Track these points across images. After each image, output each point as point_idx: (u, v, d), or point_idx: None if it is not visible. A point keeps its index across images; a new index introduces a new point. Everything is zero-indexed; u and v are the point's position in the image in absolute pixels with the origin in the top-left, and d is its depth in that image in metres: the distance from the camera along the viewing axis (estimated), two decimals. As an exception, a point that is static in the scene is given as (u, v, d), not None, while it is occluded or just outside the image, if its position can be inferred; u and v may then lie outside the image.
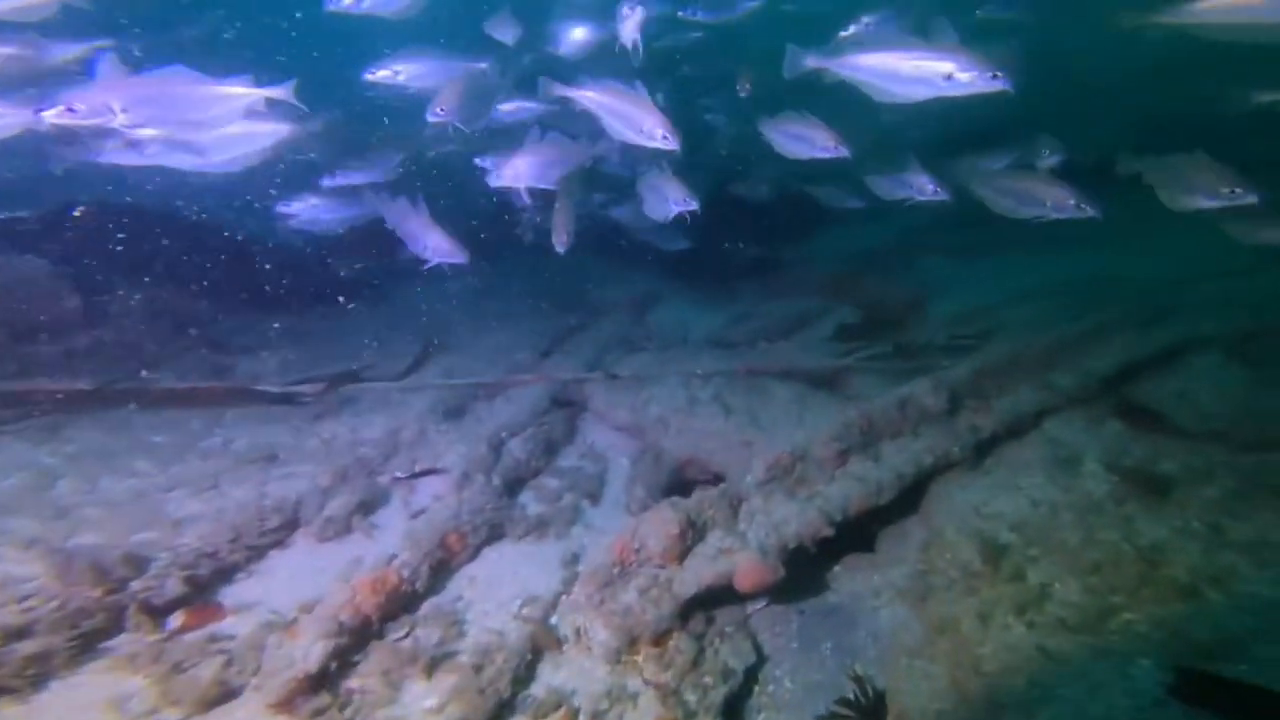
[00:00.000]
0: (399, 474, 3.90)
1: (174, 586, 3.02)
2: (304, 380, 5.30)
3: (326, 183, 5.71)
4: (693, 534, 3.07)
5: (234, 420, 4.81)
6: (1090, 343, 4.10)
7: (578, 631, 2.82)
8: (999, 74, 3.25)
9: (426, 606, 3.09)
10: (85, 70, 3.82)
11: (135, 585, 2.96)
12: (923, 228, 9.58)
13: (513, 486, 3.98)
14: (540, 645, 2.86)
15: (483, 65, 4.95)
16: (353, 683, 2.68)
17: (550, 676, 2.77)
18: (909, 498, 3.26)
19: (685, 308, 8.29)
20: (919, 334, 5.61)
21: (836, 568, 3.25)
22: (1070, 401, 3.56)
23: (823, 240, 9.98)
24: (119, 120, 3.20)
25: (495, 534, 3.60)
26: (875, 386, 4.60)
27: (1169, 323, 4.31)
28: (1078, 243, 8.52)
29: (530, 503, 3.93)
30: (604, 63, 4.80)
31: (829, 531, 3.07)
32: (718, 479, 4.10)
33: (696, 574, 2.88)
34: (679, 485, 4.09)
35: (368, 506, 3.75)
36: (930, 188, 4.89)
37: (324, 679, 2.62)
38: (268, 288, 7.89)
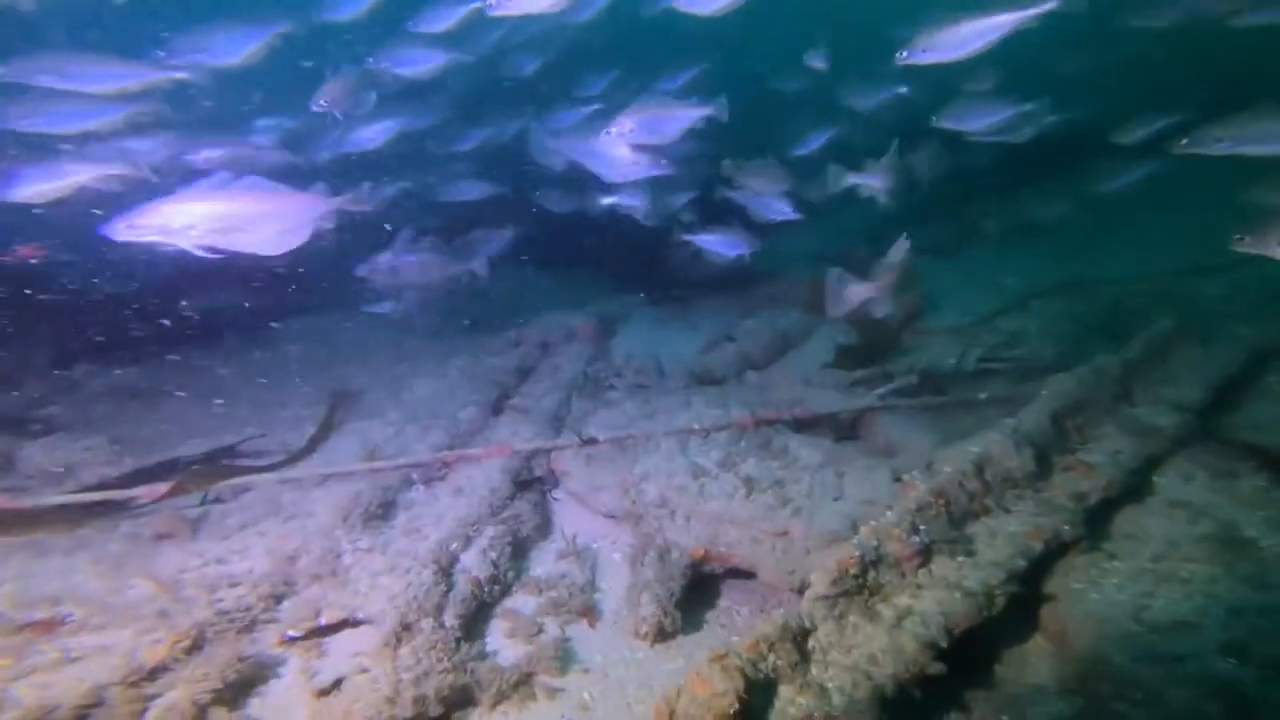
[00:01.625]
0: (292, 632, 2.72)
1: None
2: (139, 475, 3.89)
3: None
4: (753, 691, 2.14)
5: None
6: (1153, 365, 3.50)
7: None
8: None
9: None
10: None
11: None
12: (877, 226, 9.13)
13: (473, 623, 2.91)
14: None
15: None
16: None
17: None
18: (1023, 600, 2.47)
19: (648, 331, 7.37)
20: (928, 354, 4.95)
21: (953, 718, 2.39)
22: (1174, 445, 2.90)
23: (774, 243, 9.38)
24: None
25: (457, 706, 2.53)
26: (910, 432, 3.84)
27: (1221, 334, 3.79)
28: (1037, 237, 8.29)
29: (502, 644, 2.87)
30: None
31: (938, 667, 2.23)
32: (746, 574, 3.20)
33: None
34: (695, 584, 3.16)
35: (241, 687, 2.53)
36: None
37: None
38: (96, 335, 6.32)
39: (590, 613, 3.10)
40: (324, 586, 2.89)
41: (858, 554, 2.45)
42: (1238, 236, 3.15)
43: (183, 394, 5.85)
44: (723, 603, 3.17)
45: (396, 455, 4.06)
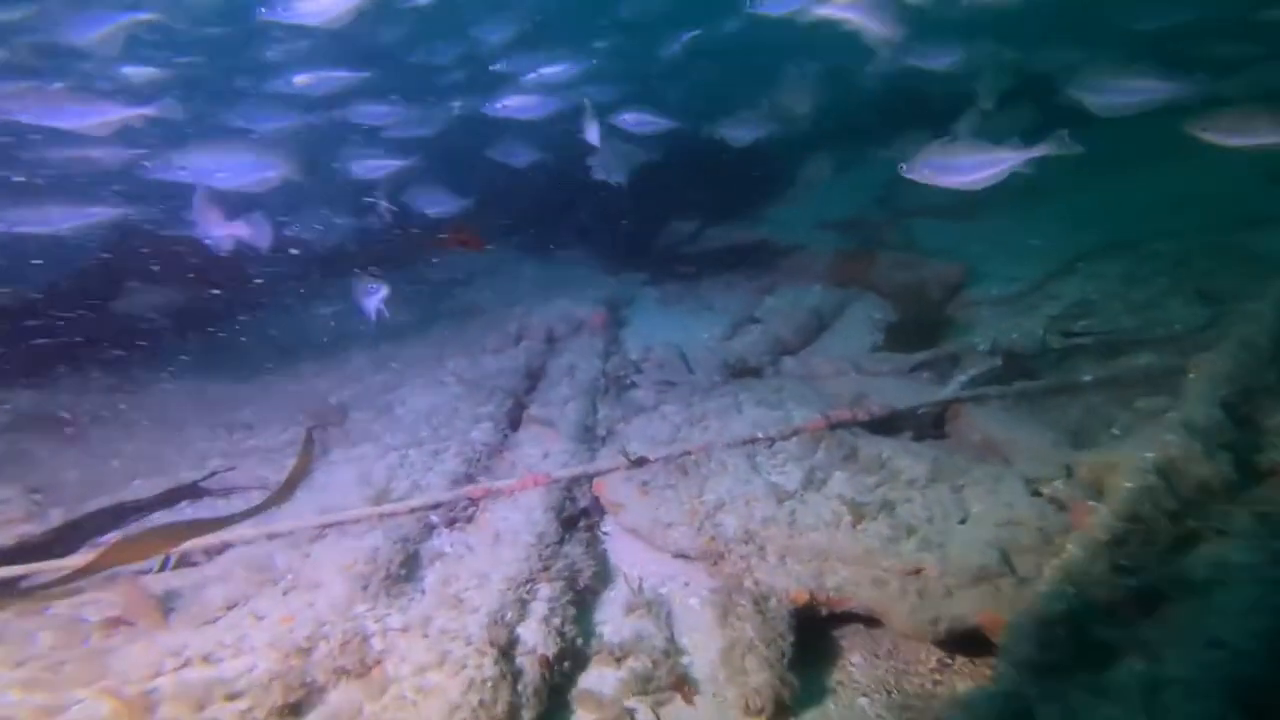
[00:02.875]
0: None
1: None
2: (71, 531, 3.07)
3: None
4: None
5: None
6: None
7: None
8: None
9: None
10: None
11: None
12: (888, 185, 8.62)
13: (543, 710, 2.27)
14: None
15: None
16: None
17: None
18: None
19: (658, 316, 6.70)
20: (988, 330, 4.45)
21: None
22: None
23: (782, 209, 8.76)
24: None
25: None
26: (1012, 427, 3.32)
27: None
28: (1057, 192, 7.92)
29: (585, 741, 2.25)
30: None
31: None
32: (856, 616, 2.64)
33: None
34: (802, 630, 2.58)
35: None
36: None
37: None
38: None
39: (684, 684, 2.49)
40: (355, 688, 2.18)
41: (1062, 608, 1.90)
42: (1200, 128, 3.30)
43: (119, 419, 4.90)
44: (844, 660, 2.61)
45: (407, 493, 3.33)
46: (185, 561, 2.72)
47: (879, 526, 2.65)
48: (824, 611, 2.64)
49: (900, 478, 2.93)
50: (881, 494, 2.82)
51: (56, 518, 3.31)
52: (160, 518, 3.49)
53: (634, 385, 4.99)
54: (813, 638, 2.62)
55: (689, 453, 3.37)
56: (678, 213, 8.90)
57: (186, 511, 3.61)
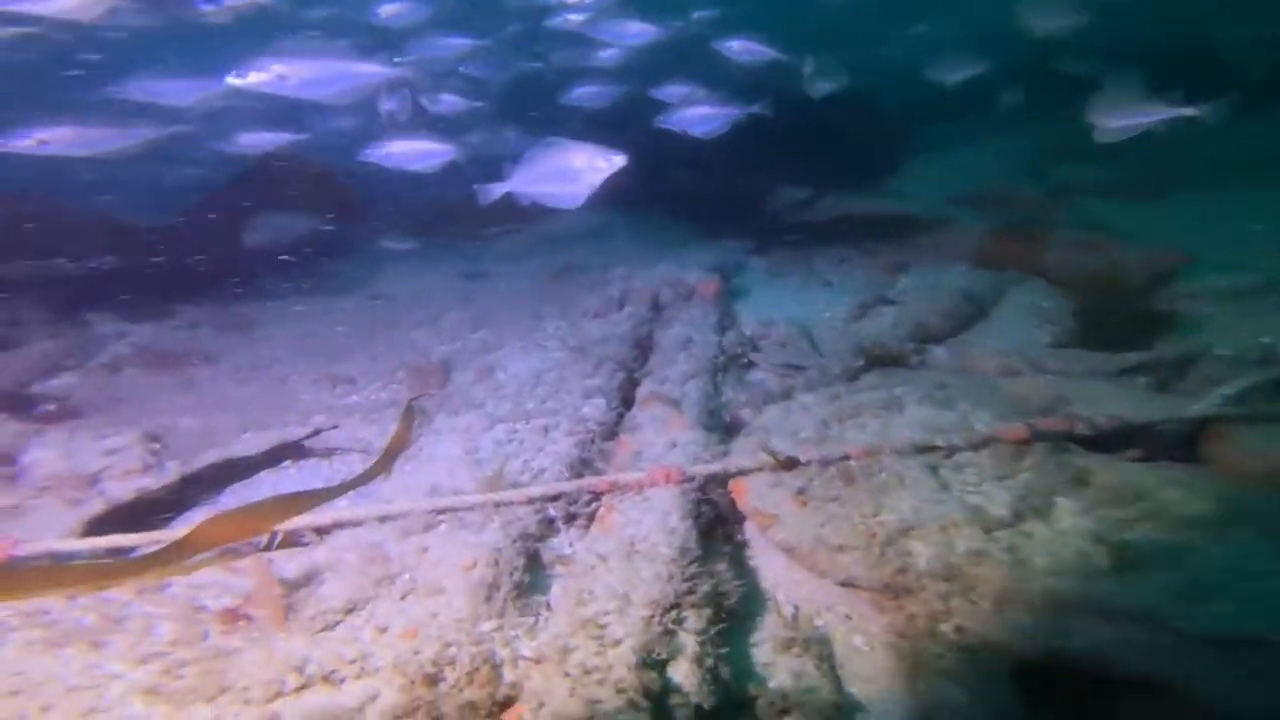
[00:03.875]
0: None
1: None
2: (187, 486, 2.86)
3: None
4: None
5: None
6: None
7: None
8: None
9: None
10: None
11: None
12: (1031, 157, 7.50)
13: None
14: None
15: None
16: None
17: None
18: None
19: (770, 288, 6.07)
20: (1223, 330, 3.61)
21: None
22: None
23: (912, 177, 7.81)
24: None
25: None
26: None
27: None
28: (1246, 171, 6.60)
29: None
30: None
31: None
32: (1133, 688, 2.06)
33: None
34: (1031, 700, 2.04)
35: None
36: None
37: None
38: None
39: (868, 757, 2.02)
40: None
41: None
42: None
43: (230, 359, 4.80)
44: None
45: (518, 474, 2.96)
46: (292, 538, 2.43)
47: (1157, 576, 2.04)
48: (1067, 678, 2.09)
49: (1167, 514, 2.28)
50: (1147, 533, 2.19)
51: (173, 471, 3.15)
52: (265, 476, 3.28)
53: (751, 365, 4.46)
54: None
55: (849, 457, 2.83)
56: (785, 176, 8.10)
57: (289, 471, 3.40)
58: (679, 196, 8.75)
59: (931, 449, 2.79)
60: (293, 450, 3.52)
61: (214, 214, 5.89)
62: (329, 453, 3.58)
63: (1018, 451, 2.66)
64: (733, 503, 2.89)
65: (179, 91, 4.09)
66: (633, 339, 4.48)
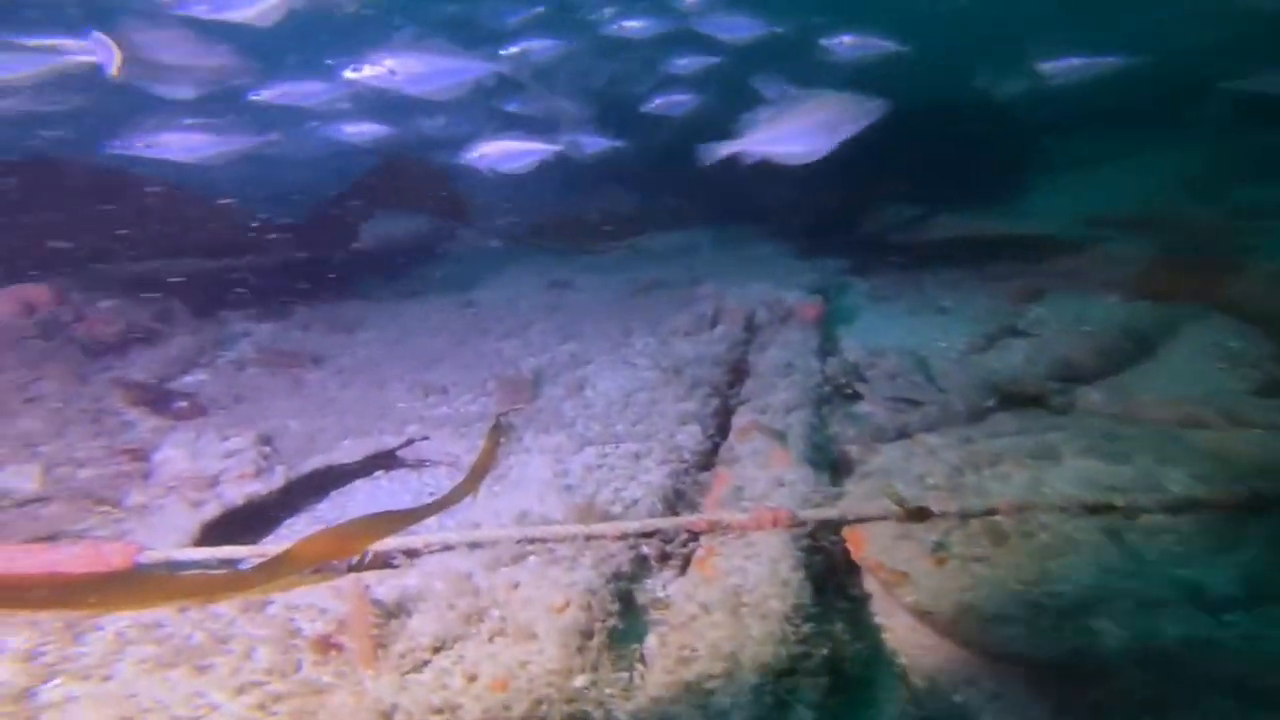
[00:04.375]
0: None
1: None
2: (283, 491, 2.87)
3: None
4: None
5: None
6: None
7: None
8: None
9: None
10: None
11: None
12: (1193, 175, 6.58)
13: None
14: None
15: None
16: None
17: None
18: None
19: (874, 314, 5.62)
20: None
21: None
22: None
23: (1042, 195, 7.08)
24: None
25: None
26: None
27: None
28: None
29: None
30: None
31: None
32: None
33: None
34: None
35: None
36: None
37: None
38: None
39: None
40: None
41: None
42: None
43: (336, 361, 4.94)
44: None
45: (608, 504, 2.75)
46: (382, 558, 2.34)
47: None
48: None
49: None
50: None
51: (280, 476, 3.19)
52: (360, 485, 3.28)
53: (856, 396, 4.06)
54: None
55: (996, 511, 2.41)
56: (892, 190, 7.59)
57: (382, 482, 3.39)
58: (768, 211, 8.43)
59: (1107, 508, 2.33)
60: (386, 460, 3.51)
61: (338, 213, 6.15)
62: (419, 464, 3.55)
63: (1236, 519, 2.16)
64: (846, 551, 2.55)
65: (305, 94, 4.29)
66: (727, 361, 4.22)
